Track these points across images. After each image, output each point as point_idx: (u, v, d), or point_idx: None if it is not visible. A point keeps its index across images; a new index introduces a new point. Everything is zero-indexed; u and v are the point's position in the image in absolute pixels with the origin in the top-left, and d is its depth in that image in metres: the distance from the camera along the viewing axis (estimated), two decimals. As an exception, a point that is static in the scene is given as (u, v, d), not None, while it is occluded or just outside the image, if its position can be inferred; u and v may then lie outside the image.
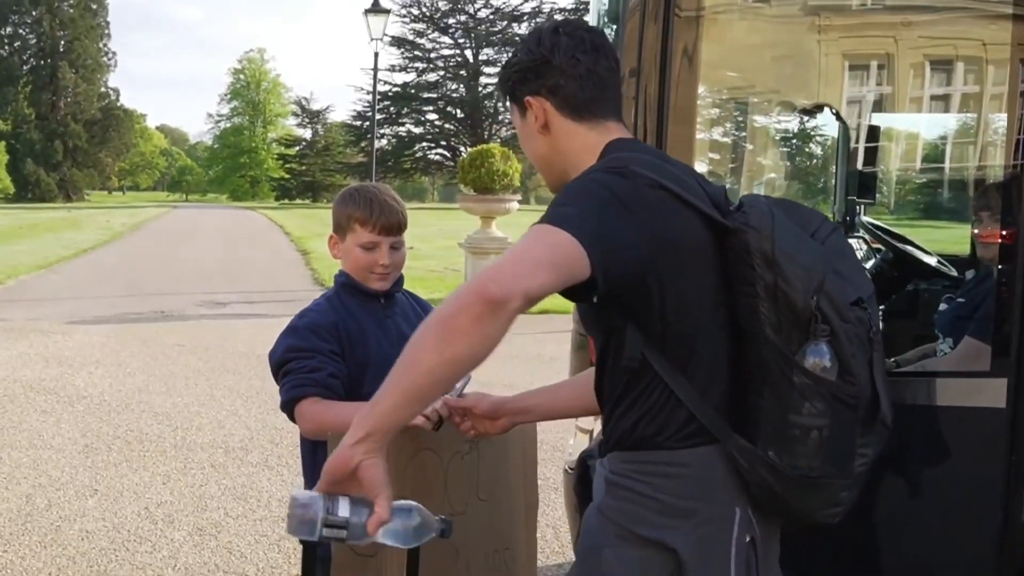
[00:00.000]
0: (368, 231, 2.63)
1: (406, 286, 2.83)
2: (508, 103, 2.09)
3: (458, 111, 63.41)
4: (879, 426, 1.89)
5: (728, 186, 5.22)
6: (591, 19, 4.04)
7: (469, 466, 2.35)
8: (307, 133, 77.58)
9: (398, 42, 60.97)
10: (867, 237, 5.05)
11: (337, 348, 2.56)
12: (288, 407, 2.52)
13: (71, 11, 78.61)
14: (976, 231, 3.82)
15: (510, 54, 2.10)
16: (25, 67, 79.27)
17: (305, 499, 1.69)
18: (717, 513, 1.88)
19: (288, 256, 24.11)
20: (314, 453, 2.56)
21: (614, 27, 3.41)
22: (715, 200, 1.92)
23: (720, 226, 1.87)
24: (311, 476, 2.64)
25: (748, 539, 1.89)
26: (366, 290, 2.68)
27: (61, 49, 78.49)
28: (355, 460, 1.65)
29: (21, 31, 79.88)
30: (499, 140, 54.87)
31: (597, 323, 1.95)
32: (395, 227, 2.67)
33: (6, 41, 79.24)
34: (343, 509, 1.67)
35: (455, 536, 1.88)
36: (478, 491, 2.37)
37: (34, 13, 78.02)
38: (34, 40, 79.39)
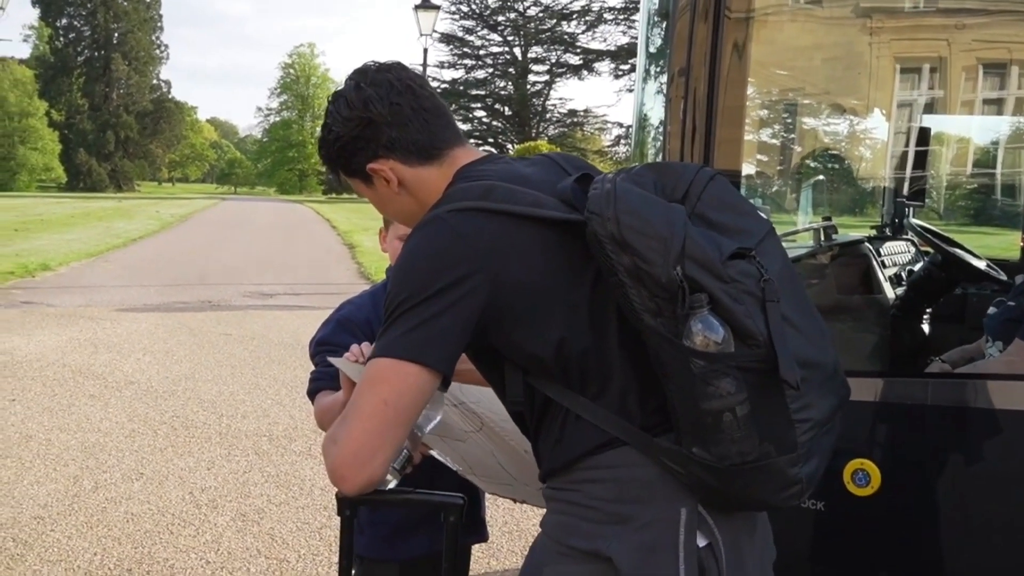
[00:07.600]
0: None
1: None
2: (347, 177, 1.96)
3: (506, 108, 63.28)
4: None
5: (776, 188, 5.22)
6: (641, 17, 4.05)
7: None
8: (355, 128, 77.96)
9: (447, 39, 60.99)
10: (916, 239, 5.02)
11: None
12: (311, 399, 2.60)
13: (125, 4, 79.83)
14: None
15: (323, 132, 1.92)
16: (79, 58, 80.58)
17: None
18: (657, 516, 1.68)
19: (335, 249, 24.25)
20: None
21: (664, 25, 3.41)
22: (564, 197, 1.76)
23: (576, 223, 1.71)
24: None
25: (705, 543, 1.69)
26: None
27: (115, 41, 79.75)
28: None
29: (76, 23, 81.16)
30: (546, 138, 54.90)
31: (487, 376, 1.90)
32: None
33: (61, 32, 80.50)
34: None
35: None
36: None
37: (89, 5, 79.37)
38: (88, 32, 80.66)
